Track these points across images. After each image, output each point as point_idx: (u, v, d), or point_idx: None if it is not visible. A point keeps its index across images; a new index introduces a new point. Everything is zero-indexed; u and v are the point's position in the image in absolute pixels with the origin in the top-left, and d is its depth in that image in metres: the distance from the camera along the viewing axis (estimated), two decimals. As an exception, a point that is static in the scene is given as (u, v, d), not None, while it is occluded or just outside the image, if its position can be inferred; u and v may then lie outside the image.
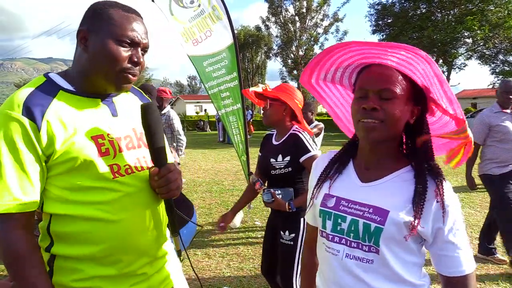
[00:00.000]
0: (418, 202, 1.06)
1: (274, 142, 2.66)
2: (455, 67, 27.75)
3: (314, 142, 2.63)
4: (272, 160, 2.56)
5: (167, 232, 1.49)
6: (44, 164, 1.18)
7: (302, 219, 2.51)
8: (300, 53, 40.34)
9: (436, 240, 1.08)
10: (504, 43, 25.01)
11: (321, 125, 5.34)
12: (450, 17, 26.33)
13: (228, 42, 5.12)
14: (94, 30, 1.24)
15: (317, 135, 5.27)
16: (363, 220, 1.11)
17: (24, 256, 1.14)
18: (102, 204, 1.24)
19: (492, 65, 26.52)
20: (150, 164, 1.37)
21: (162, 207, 1.44)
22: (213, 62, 5.25)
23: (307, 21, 39.78)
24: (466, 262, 1.08)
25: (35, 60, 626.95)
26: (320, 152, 2.49)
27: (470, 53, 27.03)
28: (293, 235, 2.50)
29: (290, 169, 2.48)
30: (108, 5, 1.26)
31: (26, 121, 1.13)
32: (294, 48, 40.77)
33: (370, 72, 1.14)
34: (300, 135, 2.51)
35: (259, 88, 2.62)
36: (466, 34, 25.27)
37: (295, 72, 41.11)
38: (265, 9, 41.03)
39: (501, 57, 26.06)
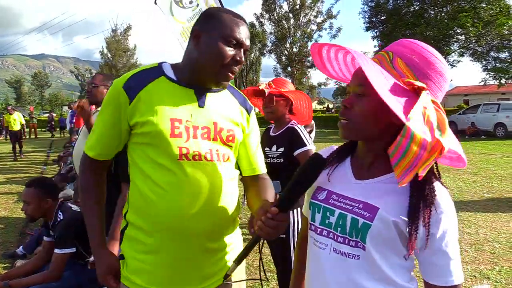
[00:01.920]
0: (413, 218, 1.02)
1: (271, 134, 2.76)
2: (447, 63, 27.86)
3: (310, 137, 2.69)
4: (266, 148, 2.63)
5: (231, 253, 1.52)
6: (125, 130, 1.42)
7: (291, 212, 2.53)
8: (294, 49, 40.31)
9: (426, 247, 1.04)
10: (495, 40, 25.14)
11: (312, 122, 5.35)
12: (443, 14, 26.44)
13: None
14: (207, 30, 1.40)
15: (309, 132, 5.28)
16: (351, 215, 1.10)
17: (86, 188, 1.52)
18: (163, 182, 1.36)
19: (484, 62, 26.63)
20: (222, 159, 1.45)
21: (225, 205, 1.46)
22: None
23: (301, 18, 39.75)
24: (456, 273, 1.05)
25: (27, 57, 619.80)
26: (315, 147, 2.55)
27: (462, 50, 27.17)
28: None
29: (282, 160, 2.53)
30: (222, 11, 1.46)
31: (122, 92, 1.38)
32: (288, 45, 40.73)
33: (355, 70, 1.15)
34: (297, 129, 2.59)
35: (262, 86, 2.72)
36: (458, 31, 25.38)
37: (289, 68, 41.10)
38: (259, 5, 40.98)
39: (492, 54, 26.19)
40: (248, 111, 1.61)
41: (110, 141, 1.45)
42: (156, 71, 1.45)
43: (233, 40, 1.38)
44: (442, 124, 0.99)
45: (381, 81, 0.99)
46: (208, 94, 1.48)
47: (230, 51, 1.39)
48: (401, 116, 0.94)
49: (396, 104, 0.96)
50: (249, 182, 1.65)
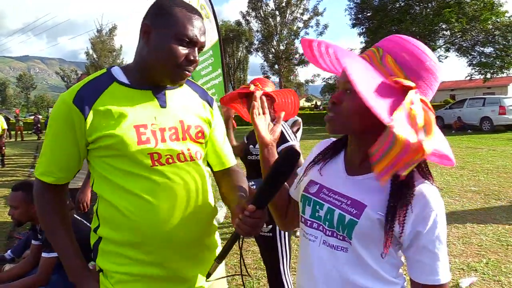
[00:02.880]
0: (391, 209, 1.03)
1: None
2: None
3: (295, 135, 2.70)
4: (250, 146, 2.66)
5: (214, 254, 1.49)
6: (83, 147, 1.32)
7: None
8: (281, 47, 40.36)
9: (413, 244, 1.04)
10: (480, 35, 25.46)
11: (299, 120, 5.35)
12: (428, 10, 26.68)
13: (214, 39, 5.19)
14: (158, 26, 1.31)
15: (296, 131, 5.28)
16: (339, 210, 1.10)
17: (48, 211, 1.39)
18: (139, 191, 1.29)
19: (469, 57, 26.94)
20: (195, 157, 1.40)
21: (205, 205, 1.44)
22: (201, 60, 5.30)
23: (287, 15, 39.82)
24: (442, 272, 1.03)
25: (11, 59, 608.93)
26: (298, 143, 2.58)
27: (448, 45, 27.46)
28: (270, 226, 2.52)
29: None
30: (174, 4, 1.32)
31: (74, 109, 1.27)
32: (275, 43, 40.76)
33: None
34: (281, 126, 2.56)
35: (252, 88, 2.70)
36: (444, 26, 25.65)
37: (276, 66, 41.13)
38: (245, 3, 40.89)
39: (477, 49, 26.51)
40: (210, 104, 1.55)
41: (69, 162, 1.35)
42: (106, 78, 1.35)
43: (186, 38, 1.30)
44: (429, 125, 0.97)
45: (365, 82, 0.97)
46: (167, 92, 1.40)
47: (182, 50, 1.30)
48: (384, 117, 0.93)
49: (379, 104, 0.95)
50: (220, 177, 1.60)
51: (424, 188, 1.05)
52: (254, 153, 2.60)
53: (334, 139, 1.32)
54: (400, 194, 1.03)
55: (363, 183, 1.13)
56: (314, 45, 1.20)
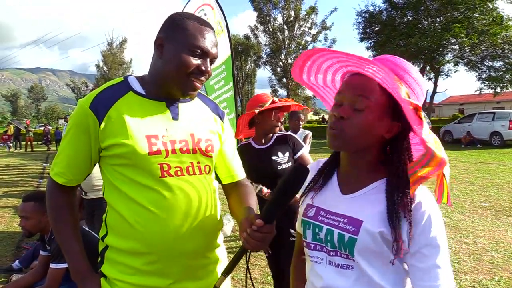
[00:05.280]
0: (394, 220, 1.02)
1: (259, 146, 2.82)
2: (442, 73, 28.11)
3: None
4: (274, 157, 2.71)
5: (219, 267, 1.50)
6: (95, 152, 1.36)
7: None
8: (289, 61, 40.49)
9: (409, 250, 1.03)
10: (489, 49, 25.38)
11: (310, 134, 5.39)
12: (436, 24, 26.71)
13: (227, 54, 5.29)
14: (170, 39, 1.35)
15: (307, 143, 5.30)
16: (337, 230, 1.10)
17: (57, 208, 1.43)
18: (146, 202, 1.31)
19: (479, 71, 26.86)
20: (203, 171, 1.42)
21: (211, 219, 1.44)
22: (215, 75, 5.45)
23: (295, 29, 40.01)
24: (444, 278, 1.00)
25: (23, 70, 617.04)
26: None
27: (457, 60, 27.40)
28: None
29: (289, 164, 2.68)
30: (186, 17, 1.37)
31: (89, 113, 1.31)
32: (283, 56, 40.92)
33: (349, 79, 1.13)
34: (291, 134, 2.78)
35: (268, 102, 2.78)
36: (452, 41, 25.64)
37: (284, 80, 41.29)
38: (254, 17, 41.30)
39: (487, 63, 26.41)
40: (221, 117, 1.57)
41: (80, 166, 1.38)
42: (122, 87, 1.39)
43: (198, 49, 1.33)
44: (438, 141, 1.01)
45: (404, 98, 1.00)
46: (180, 105, 1.43)
47: (194, 60, 1.33)
48: (426, 139, 0.96)
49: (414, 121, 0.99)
50: (229, 190, 1.61)
51: (416, 191, 1.05)
52: (282, 162, 2.69)
53: (323, 160, 1.32)
54: (398, 200, 1.04)
55: (357, 200, 1.13)
56: (307, 78, 1.27)
